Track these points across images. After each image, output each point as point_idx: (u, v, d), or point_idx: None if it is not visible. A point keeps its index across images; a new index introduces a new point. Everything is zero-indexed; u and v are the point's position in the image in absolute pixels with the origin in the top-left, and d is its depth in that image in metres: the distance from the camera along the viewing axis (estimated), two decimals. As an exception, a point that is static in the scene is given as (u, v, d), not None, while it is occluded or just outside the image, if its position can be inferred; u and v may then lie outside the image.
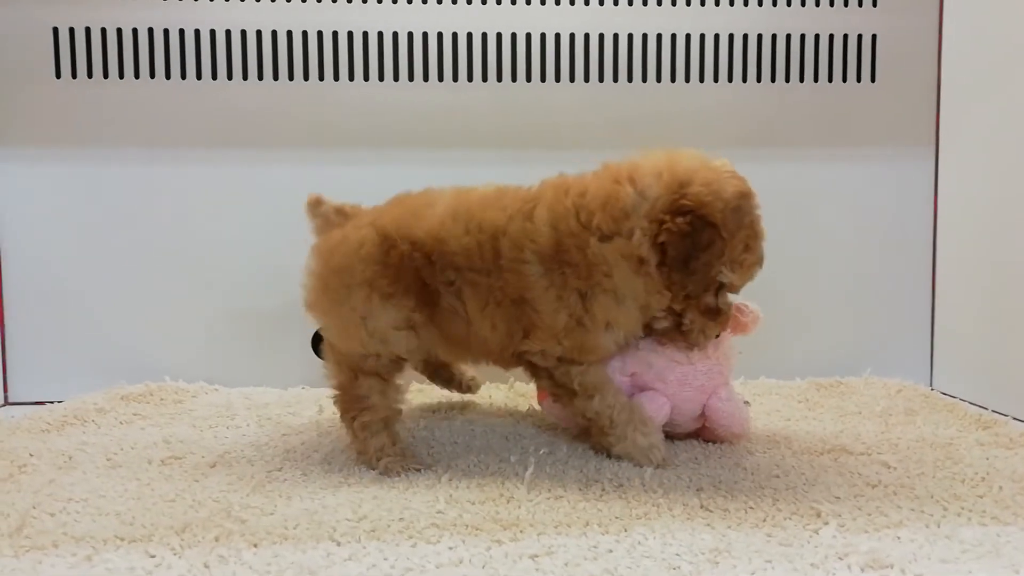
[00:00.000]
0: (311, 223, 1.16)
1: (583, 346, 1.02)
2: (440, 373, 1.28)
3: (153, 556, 0.77)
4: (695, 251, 0.97)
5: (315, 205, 1.15)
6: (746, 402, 1.13)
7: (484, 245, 1.02)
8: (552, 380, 1.04)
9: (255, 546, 0.79)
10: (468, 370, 1.29)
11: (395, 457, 1.01)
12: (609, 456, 1.04)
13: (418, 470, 1.00)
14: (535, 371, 1.06)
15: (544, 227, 1.00)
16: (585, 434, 1.08)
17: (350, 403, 1.04)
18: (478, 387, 1.31)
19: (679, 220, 0.96)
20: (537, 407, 1.23)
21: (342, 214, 1.13)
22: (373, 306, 1.02)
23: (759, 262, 1.04)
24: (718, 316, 1.03)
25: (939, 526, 0.84)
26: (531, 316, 1.01)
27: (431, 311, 1.05)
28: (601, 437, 1.04)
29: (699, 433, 1.14)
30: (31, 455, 1.05)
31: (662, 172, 0.99)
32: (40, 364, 1.44)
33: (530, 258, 1.00)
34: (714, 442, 1.12)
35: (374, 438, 1.02)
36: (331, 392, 1.07)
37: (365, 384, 1.03)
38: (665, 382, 1.07)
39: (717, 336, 1.08)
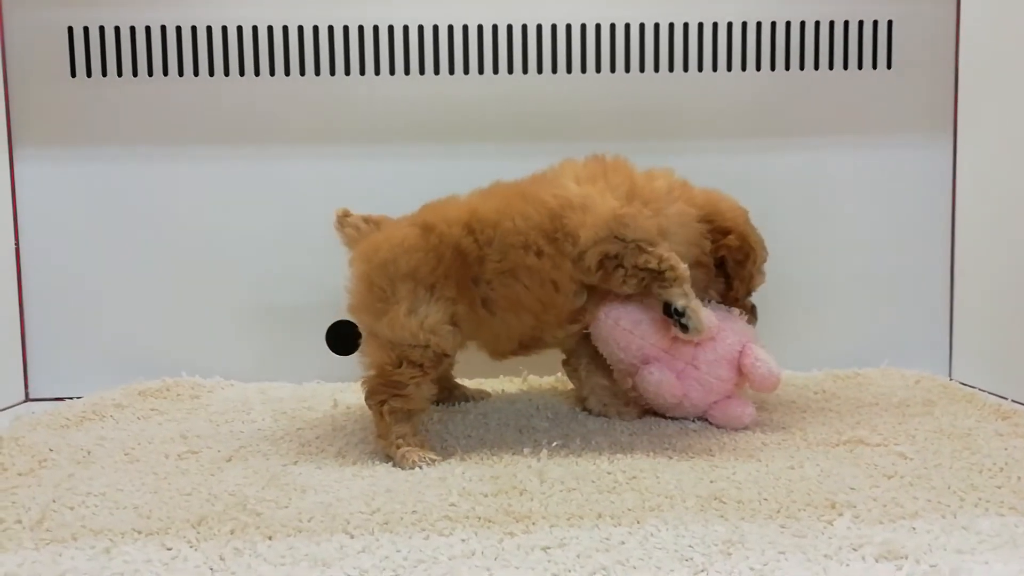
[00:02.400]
0: (340, 236, 1.19)
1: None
2: (454, 392, 1.32)
3: (170, 549, 0.78)
4: (743, 262, 1.21)
5: (343, 218, 1.18)
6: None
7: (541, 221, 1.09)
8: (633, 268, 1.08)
9: (270, 539, 0.80)
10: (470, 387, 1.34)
11: (413, 448, 1.02)
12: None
13: (433, 462, 1.01)
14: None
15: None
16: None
17: (384, 387, 1.06)
18: (487, 395, 1.34)
19: (731, 238, 1.19)
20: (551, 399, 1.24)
21: (371, 223, 1.17)
22: (419, 298, 1.06)
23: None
24: (751, 313, 1.23)
25: (955, 517, 0.83)
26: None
27: (472, 298, 1.09)
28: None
29: (712, 412, 1.16)
30: (51, 450, 1.07)
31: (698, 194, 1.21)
32: (59, 361, 1.46)
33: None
34: (728, 428, 1.14)
35: (398, 425, 1.04)
36: (364, 372, 1.09)
37: (408, 372, 1.05)
38: (713, 309, 1.16)
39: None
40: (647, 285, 1.07)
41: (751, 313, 1.23)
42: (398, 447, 1.02)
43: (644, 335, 1.13)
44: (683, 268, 1.07)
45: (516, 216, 1.08)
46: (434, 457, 1.02)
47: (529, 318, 1.11)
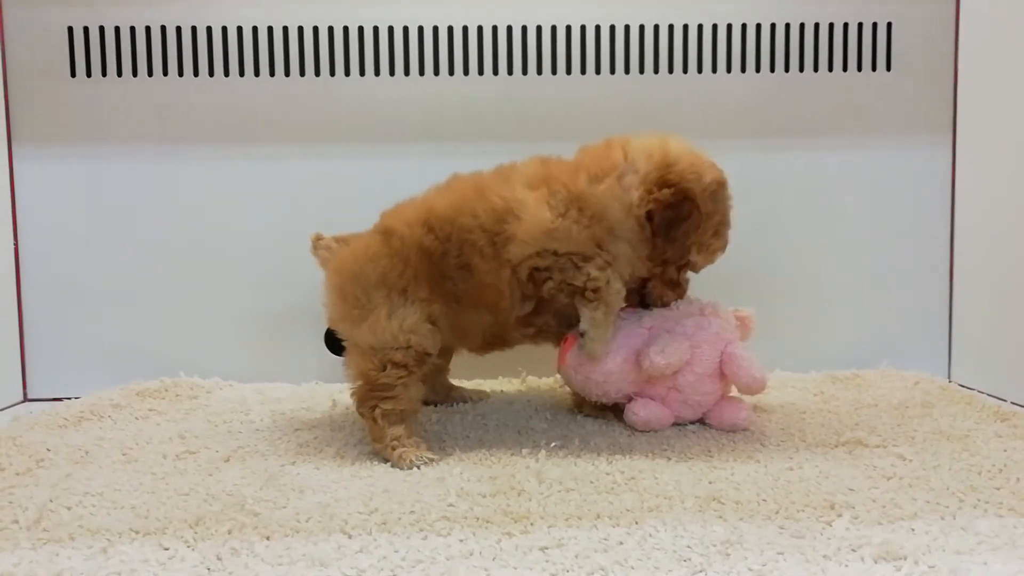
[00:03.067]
0: (316, 259, 1.22)
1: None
2: (451, 393, 1.32)
3: (167, 548, 0.78)
4: (676, 220, 1.08)
5: (316, 241, 1.23)
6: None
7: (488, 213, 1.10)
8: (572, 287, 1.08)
9: (267, 539, 0.80)
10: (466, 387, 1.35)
11: (409, 448, 1.03)
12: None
13: (430, 461, 1.01)
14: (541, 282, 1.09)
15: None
16: (596, 408, 1.19)
17: (373, 392, 1.07)
18: (485, 396, 1.34)
19: (665, 191, 1.07)
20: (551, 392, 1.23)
21: (341, 242, 1.20)
22: (395, 302, 1.09)
23: (723, 248, 1.16)
24: (677, 288, 1.17)
25: (954, 518, 0.83)
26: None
27: (444, 294, 1.11)
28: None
29: (709, 417, 1.16)
30: (49, 450, 1.07)
31: (653, 151, 1.10)
32: (58, 361, 1.46)
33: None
34: (725, 429, 1.14)
35: (392, 427, 1.05)
36: (351, 384, 1.09)
37: (393, 374, 1.06)
38: (683, 327, 1.14)
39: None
40: (574, 297, 1.09)
41: (672, 288, 1.16)
42: (394, 448, 1.03)
43: (617, 382, 1.13)
44: (611, 292, 1.08)
45: (467, 213, 1.09)
46: (431, 456, 1.02)
47: (487, 315, 1.13)
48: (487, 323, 1.14)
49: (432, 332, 1.10)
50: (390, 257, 1.10)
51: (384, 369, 1.07)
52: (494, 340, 1.19)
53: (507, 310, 1.12)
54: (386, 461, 1.03)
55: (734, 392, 1.18)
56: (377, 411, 1.05)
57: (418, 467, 1.00)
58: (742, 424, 1.14)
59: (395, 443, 1.03)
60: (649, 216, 1.08)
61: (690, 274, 1.18)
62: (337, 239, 1.21)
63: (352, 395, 1.09)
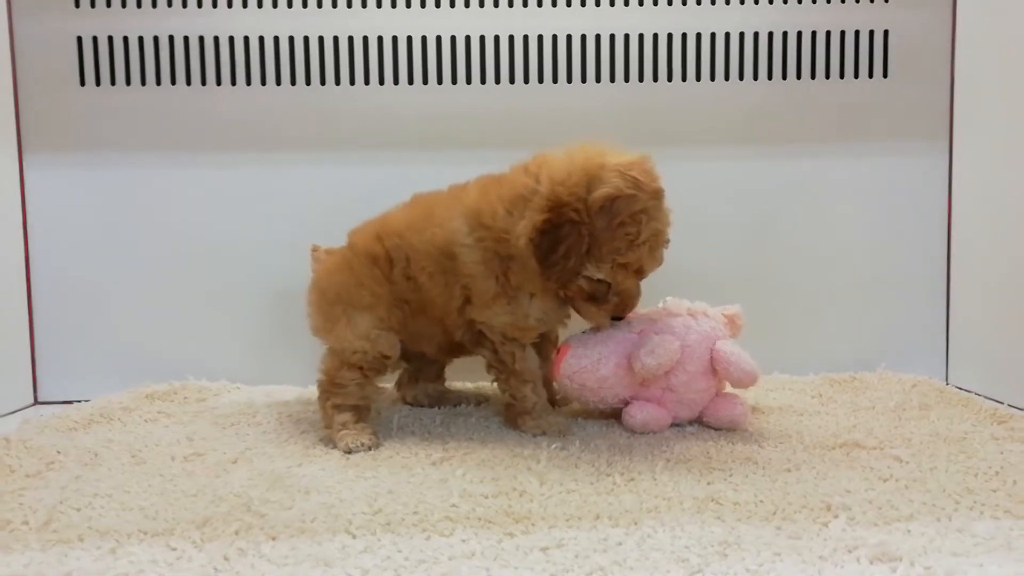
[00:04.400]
0: (313, 269, 1.29)
1: (514, 316, 1.13)
2: (445, 396, 1.37)
3: (175, 549, 0.79)
4: (553, 246, 1.05)
5: (312, 252, 1.31)
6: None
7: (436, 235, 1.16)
8: (496, 356, 1.16)
9: (273, 539, 0.81)
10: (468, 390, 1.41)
11: (351, 433, 1.11)
12: (516, 429, 1.17)
13: (363, 446, 1.09)
14: (484, 343, 1.17)
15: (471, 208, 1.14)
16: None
17: (330, 388, 1.17)
18: (485, 399, 1.36)
19: (538, 218, 1.05)
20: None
21: (331, 254, 1.28)
22: (350, 314, 1.18)
23: (648, 260, 1.09)
24: (597, 302, 1.12)
25: (951, 519, 0.84)
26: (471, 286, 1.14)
27: (388, 299, 1.18)
28: (520, 415, 1.16)
29: (706, 415, 1.18)
30: (59, 452, 1.08)
31: (556, 170, 1.07)
32: (68, 364, 1.48)
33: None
34: (721, 428, 1.17)
35: (340, 415, 1.15)
36: (317, 379, 1.19)
37: (348, 375, 1.16)
38: (672, 328, 1.15)
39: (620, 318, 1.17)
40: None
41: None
42: (337, 431, 1.12)
43: (612, 387, 1.16)
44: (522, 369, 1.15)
45: (416, 231, 1.16)
46: (365, 442, 1.10)
47: (436, 325, 1.20)
48: (438, 332, 1.21)
49: (387, 336, 1.17)
50: (348, 270, 1.20)
51: (341, 370, 1.16)
52: (450, 348, 1.24)
53: (452, 329, 1.19)
54: (336, 444, 1.11)
55: (729, 389, 1.20)
56: (329, 403, 1.16)
57: (352, 451, 1.09)
58: (739, 420, 1.15)
59: (340, 428, 1.13)
60: (531, 242, 1.06)
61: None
62: (328, 251, 1.29)
63: (317, 387, 1.19)
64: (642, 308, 1.19)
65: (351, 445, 1.09)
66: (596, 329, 1.18)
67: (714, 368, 1.15)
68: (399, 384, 1.37)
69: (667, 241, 1.11)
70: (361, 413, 1.16)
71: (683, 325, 1.16)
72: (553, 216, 1.04)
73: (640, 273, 1.11)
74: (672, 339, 1.13)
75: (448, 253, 1.13)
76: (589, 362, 1.15)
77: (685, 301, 1.21)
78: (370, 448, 1.09)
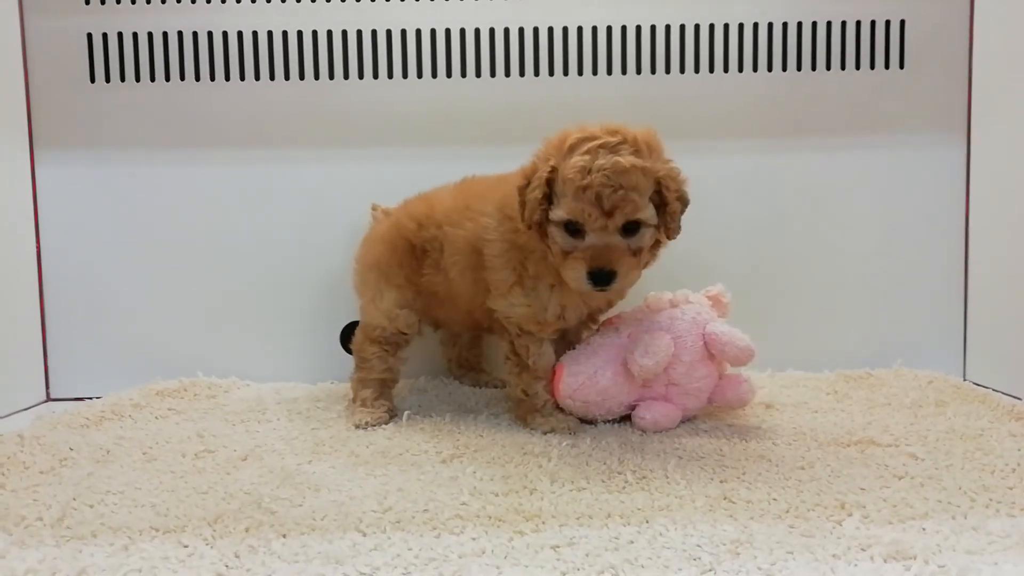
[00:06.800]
0: (371, 227, 1.36)
1: (531, 307, 1.15)
2: (469, 374, 1.46)
3: (186, 546, 0.79)
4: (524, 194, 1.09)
5: (372, 211, 1.38)
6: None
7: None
8: (513, 348, 1.18)
9: (284, 536, 0.81)
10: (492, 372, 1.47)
11: (367, 410, 1.20)
12: (526, 427, 1.17)
13: (367, 425, 1.17)
14: (504, 334, 1.19)
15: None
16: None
17: (358, 361, 1.27)
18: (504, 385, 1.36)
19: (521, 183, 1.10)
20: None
21: (386, 214, 1.35)
22: (380, 287, 1.26)
23: (610, 198, 1.03)
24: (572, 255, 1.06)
25: (966, 517, 0.83)
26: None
27: (417, 284, 1.24)
28: (530, 412, 1.17)
29: (714, 399, 1.18)
30: (71, 449, 1.08)
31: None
32: (79, 362, 1.48)
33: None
34: (733, 407, 1.19)
35: (363, 390, 1.24)
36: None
37: (370, 349, 1.25)
38: (659, 323, 1.17)
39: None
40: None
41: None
42: (356, 406, 1.22)
43: (615, 396, 1.15)
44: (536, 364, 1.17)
45: (453, 227, 1.19)
46: (370, 421, 1.18)
47: (463, 314, 1.25)
48: (463, 318, 1.27)
49: (407, 315, 1.25)
50: (386, 243, 1.26)
51: (365, 343, 1.26)
52: (477, 328, 1.30)
53: (481, 316, 1.22)
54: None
55: (732, 370, 1.20)
56: (356, 376, 1.26)
57: (359, 426, 1.17)
58: (746, 397, 1.16)
59: (360, 404, 1.22)
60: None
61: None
62: (385, 212, 1.36)
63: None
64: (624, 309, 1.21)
65: (358, 421, 1.18)
66: (585, 343, 1.19)
67: (710, 352, 1.15)
68: (442, 341, 1.48)
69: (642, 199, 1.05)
70: (384, 387, 1.25)
71: (668, 317, 1.17)
72: (529, 174, 1.09)
73: (610, 215, 1.03)
74: (662, 334, 1.13)
75: (476, 248, 1.17)
76: (586, 376, 1.14)
77: (667, 293, 1.21)
78: (375, 425, 1.17)
